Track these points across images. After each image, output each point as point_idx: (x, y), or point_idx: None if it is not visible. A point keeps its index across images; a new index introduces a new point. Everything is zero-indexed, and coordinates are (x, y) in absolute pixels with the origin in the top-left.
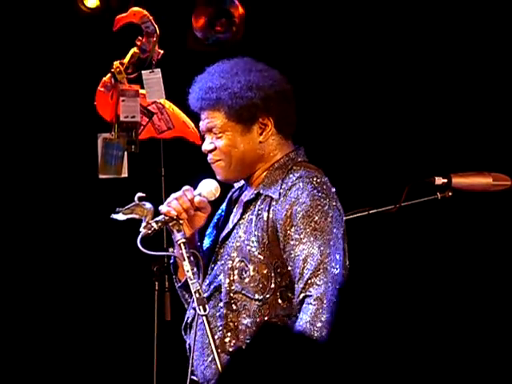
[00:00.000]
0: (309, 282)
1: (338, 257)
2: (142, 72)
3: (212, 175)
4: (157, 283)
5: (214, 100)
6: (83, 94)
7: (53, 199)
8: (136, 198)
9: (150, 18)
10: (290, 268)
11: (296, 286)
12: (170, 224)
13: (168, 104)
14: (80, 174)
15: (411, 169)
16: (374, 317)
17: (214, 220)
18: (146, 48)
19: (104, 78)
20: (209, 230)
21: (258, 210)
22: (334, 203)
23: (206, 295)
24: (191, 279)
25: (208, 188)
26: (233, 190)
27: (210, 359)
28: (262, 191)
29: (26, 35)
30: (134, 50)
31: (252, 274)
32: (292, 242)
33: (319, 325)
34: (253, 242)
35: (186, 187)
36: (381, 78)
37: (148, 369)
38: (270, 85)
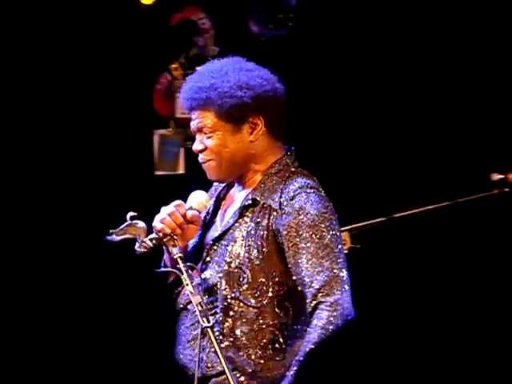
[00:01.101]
0: (321, 289)
1: (345, 263)
2: (198, 68)
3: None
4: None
5: (203, 100)
6: (140, 91)
7: (110, 195)
8: (128, 218)
9: (206, 14)
10: (295, 277)
11: (306, 294)
12: (165, 240)
13: None
14: (137, 171)
15: (466, 165)
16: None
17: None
18: (201, 44)
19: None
20: None
21: (257, 217)
22: (334, 212)
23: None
24: (192, 293)
25: (198, 200)
26: (216, 185)
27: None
28: (259, 198)
29: (85, 32)
30: (191, 46)
31: (250, 280)
32: (299, 252)
33: (332, 328)
34: (251, 249)
35: (177, 202)
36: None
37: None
38: (260, 84)
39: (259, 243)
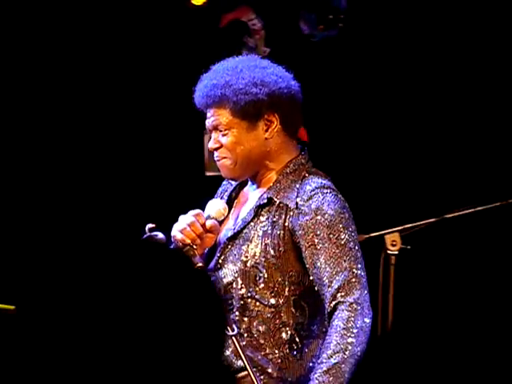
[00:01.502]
0: (340, 289)
1: (362, 263)
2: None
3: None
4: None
5: (218, 97)
6: (191, 91)
7: (161, 196)
8: (147, 229)
9: (256, 15)
10: (313, 277)
11: (325, 294)
12: (184, 250)
13: None
14: (188, 171)
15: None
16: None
17: None
18: (252, 45)
19: None
20: None
21: (274, 217)
22: (350, 213)
23: None
24: None
25: (216, 208)
26: (225, 184)
27: None
28: (275, 197)
29: (137, 33)
30: (241, 47)
31: (266, 280)
32: (316, 252)
33: (355, 330)
34: (268, 248)
35: (196, 211)
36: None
37: None
38: (275, 81)
39: (276, 242)
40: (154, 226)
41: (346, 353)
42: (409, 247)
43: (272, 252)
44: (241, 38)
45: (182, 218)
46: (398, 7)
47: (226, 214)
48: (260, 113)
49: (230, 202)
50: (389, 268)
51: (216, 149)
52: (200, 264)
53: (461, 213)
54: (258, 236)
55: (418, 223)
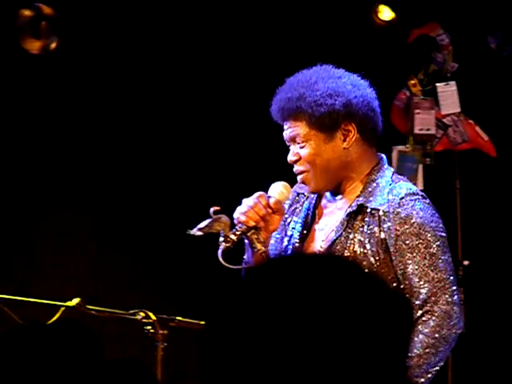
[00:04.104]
0: (427, 300)
1: (452, 272)
2: (437, 84)
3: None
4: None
5: (294, 110)
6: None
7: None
8: (211, 213)
9: (444, 30)
10: (403, 285)
11: (414, 303)
12: (249, 234)
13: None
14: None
15: None
16: None
17: (292, 226)
18: (440, 61)
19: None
20: (278, 235)
21: (368, 224)
22: (440, 220)
23: None
24: None
25: (279, 189)
26: (300, 196)
27: None
28: (366, 204)
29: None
30: (430, 63)
31: None
32: (405, 261)
33: (438, 341)
34: (368, 257)
35: (259, 193)
36: None
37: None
38: (350, 90)
39: (374, 250)
40: (218, 208)
41: (427, 362)
42: None
43: (372, 260)
44: (429, 53)
45: (245, 200)
46: None
47: (289, 197)
48: (337, 123)
49: (313, 215)
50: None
51: (295, 161)
52: (263, 249)
53: None
54: (355, 245)
55: None
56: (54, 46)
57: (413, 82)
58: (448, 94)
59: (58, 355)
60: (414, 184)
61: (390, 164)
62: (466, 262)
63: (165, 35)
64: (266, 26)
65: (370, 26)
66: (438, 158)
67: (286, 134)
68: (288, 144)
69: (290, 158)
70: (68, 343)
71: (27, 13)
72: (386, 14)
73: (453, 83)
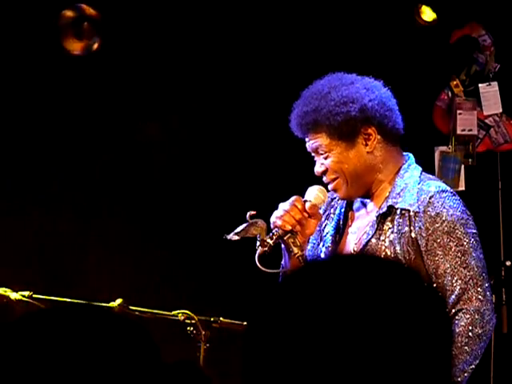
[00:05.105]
0: (460, 297)
1: (484, 269)
2: (479, 85)
3: None
4: (493, 296)
5: (312, 123)
6: (421, 107)
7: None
8: (248, 217)
9: (486, 31)
10: (435, 284)
11: (446, 301)
12: (285, 238)
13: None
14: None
15: None
16: None
17: (326, 231)
18: (482, 61)
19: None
20: (314, 241)
21: (398, 225)
22: (471, 217)
23: None
24: None
25: (314, 193)
26: (334, 200)
27: None
28: (396, 205)
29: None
30: (471, 63)
31: None
32: (437, 259)
33: (472, 340)
34: (399, 257)
35: (295, 197)
36: None
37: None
38: (364, 94)
39: (405, 250)
40: (254, 213)
41: (462, 361)
42: None
43: (403, 260)
44: (471, 53)
45: (281, 204)
46: None
47: (325, 201)
48: (355, 129)
49: (345, 219)
50: None
51: (322, 172)
52: (301, 253)
53: None
54: (386, 246)
55: None
56: (96, 46)
57: (455, 82)
58: (490, 94)
59: (117, 357)
60: (456, 184)
61: (432, 165)
62: (508, 263)
63: (205, 41)
64: (305, 27)
65: (412, 26)
66: (480, 159)
67: (309, 145)
68: (313, 155)
69: (317, 169)
70: (126, 344)
71: (69, 13)
72: (428, 14)
73: (495, 84)
